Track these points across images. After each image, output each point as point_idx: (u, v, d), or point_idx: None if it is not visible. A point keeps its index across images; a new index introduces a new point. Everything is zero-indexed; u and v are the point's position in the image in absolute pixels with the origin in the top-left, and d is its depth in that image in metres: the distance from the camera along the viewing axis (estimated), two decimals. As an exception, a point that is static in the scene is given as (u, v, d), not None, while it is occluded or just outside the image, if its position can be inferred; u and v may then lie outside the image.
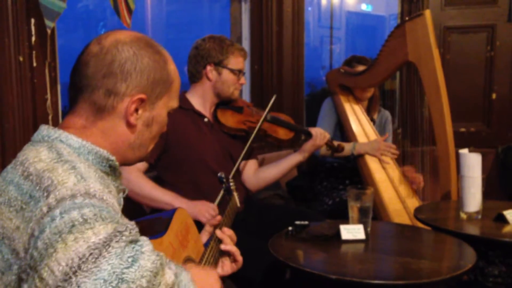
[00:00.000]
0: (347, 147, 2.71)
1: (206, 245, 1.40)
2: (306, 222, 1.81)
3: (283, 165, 2.41)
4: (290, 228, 1.80)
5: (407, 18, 2.58)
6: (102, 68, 0.99)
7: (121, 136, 1.03)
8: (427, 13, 2.47)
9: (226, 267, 1.43)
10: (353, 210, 1.81)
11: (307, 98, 4.39)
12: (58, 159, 0.90)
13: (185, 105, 2.21)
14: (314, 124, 2.90)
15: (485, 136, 3.58)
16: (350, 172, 2.89)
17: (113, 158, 1.01)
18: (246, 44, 3.46)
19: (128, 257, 0.77)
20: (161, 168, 2.16)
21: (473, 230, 1.96)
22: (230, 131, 2.29)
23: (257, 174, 2.40)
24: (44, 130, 0.99)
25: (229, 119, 2.29)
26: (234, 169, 2.14)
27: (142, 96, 1.01)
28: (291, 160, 2.42)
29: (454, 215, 2.14)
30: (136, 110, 1.02)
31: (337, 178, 2.93)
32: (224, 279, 1.37)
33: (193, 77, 2.27)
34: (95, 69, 0.99)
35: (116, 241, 0.78)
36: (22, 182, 0.88)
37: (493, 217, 2.01)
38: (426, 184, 2.76)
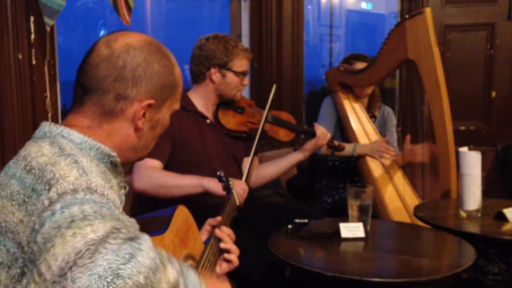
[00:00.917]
0: (348, 148, 2.71)
1: (206, 243, 1.40)
2: (306, 220, 1.80)
3: (283, 163, 2.41)
4: (289, 226, 1.80)
5: (407, 16, 2.57)
6: (113, 72, 1.00)
7: (126, 138, 1.05)
8: (428, 11, 2.47)
9: (224, 265, 1.44)
10: (353, 208, 1.81)
11: (307, 96, 4.38)
12: (61, 153, 0.91)
13: (188, 106, 2.19)
14: (313, 122, 2.90)
15: (485, 134, 3.58)
16: (351, 171, 2.90)
17: (114, 154, 1.02)
18: (245, 42, 3.46)
19: (125, 253, 0.75)
20: (165, 169, 2.15)
21: (473, 228, 1.96)
22: (231, 133, 2.27)
23: (257, 171, 2.39)
24: (46, 126, 1.00)
25: (230, 121, 2.27)
26: (245, 173, 2.12)
27: (151, 101, 1.03)
28: (292, 158, 2.41)
29: (454, 213, 2.14)
30: (144, 114, 1.04)
31: (337, 177, 2.93)
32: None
33: (196, 77, 2.24)
34: (106, 73, 1.00)
35: (113, 238, 0.77)
36: (25, 176, 0.89)
37: (493, 215, 2.01)
38: (425, 183, 2.76)
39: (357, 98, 2.96)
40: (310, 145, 2.39)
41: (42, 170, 0.87)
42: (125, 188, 1.08)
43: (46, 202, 0.82)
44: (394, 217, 2.56)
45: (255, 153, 2.37)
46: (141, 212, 1.33)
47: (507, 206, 2.01)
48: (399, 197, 2.67)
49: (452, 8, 3.55)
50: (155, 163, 2.05)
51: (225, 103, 2.29)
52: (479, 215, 2.03)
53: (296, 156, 2.41)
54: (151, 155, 2.02)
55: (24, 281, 0.81)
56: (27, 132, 2.13)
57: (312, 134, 2.40)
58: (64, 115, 1.06)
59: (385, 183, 2.71)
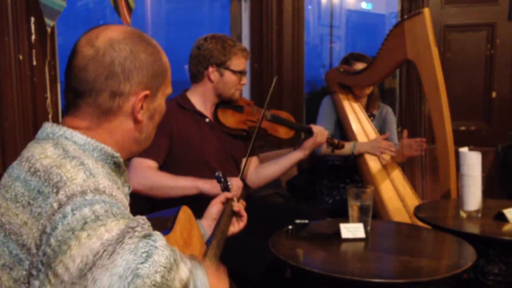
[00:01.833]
0: (347, 146, 2.71)
1: (208, 243, 1.41)
2: (306, 221, 1.80)
3: (284, 162, 2.41)
4: (290, 226, 1.80)
5: (406, 17, 2.57)
6: (103, 71, 0.99)
7: (128, 132, 1.04)
8: (426, 11, 2.47)
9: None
10: (353, 208, 1.81)
11: (307, 97, 4.38)
12: (65, 155, 0.91)
13: (186, 106, 2.20)
14: (313, 123, 2.90)
15: (485, 134, 3.58)
16: (351, 171, 2.90)
17: (117, 155, 1.01)
18: (246, 42, 3.46)
19: (142, 252, 0.78)
20: (163, 168, 2.16)
21: (473, 228, 1.96)
22: (230, 131, 2.28)
23: (257, 171, 2.39)
24: (48, 127, 1.00)
25: (229, 119, 2.28)
26: (241, 171, 2.14)
27: (147, 92, 1.03)
28: (292, 157, 2.42)
29: (454, 213, 2.14)
30: (141, 106, 1.03)
31: (338, 177, 2.93)
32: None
33: (194, 77, 2.25)
34: (95, 73, 0.98)
35: (129, 237, 0.79)
36: (29, 178, 0.89)
37: (493, 216, 2.01)
38: (426, 183, 2.76)
39: (356, 98, 2.96)
40: (309, 143, 2.39)
41: (47, 172, 0.87)
42: (128, 187, 1.08)
43: (55, 205, 0.82)
44: (394, 218, 2.56)
45: (254, 151, 2.37)
46: (139, 213, 1.34)
47: (507, 207, 2.01)
48: (399, 197, 2.67)
49: (452, 8, 3.55)
50: (151, 163, 2.05)
51: (224, 102, 2.29)
52: (479, 215, 2.03)
53: (296, 155, 2.41)
54: (147, 155, 2.04)
55: (36, 283, 0.81)
56: (27, 133, 2.13)
57: (311, 132, 2.41)
58: (65, 116, 1.06)
59: (385, 183, 2.71)
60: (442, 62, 2.50)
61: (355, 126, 2.86)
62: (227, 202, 1.68)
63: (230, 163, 2.27)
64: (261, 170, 2.40)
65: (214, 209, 1.62)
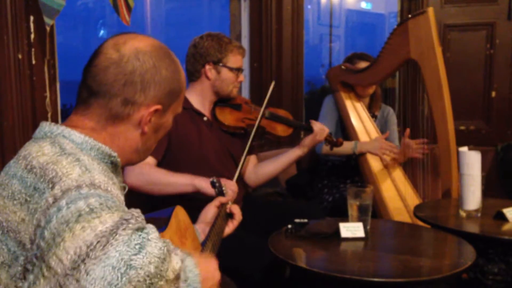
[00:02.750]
0: (349, 145, 2.71)
1: (203, 244, 1.40)
2: (306, 220, 1.80)
3: (282, 160, 2.41)
4: (289, 225, 1.80)
5: (409, 16, 2.57)
6: (123, 77, 1.00)
7: (130, 141, 1.06)
8: (430, 10, 2.46)
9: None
10: (353, 208, 1.81)
11: (307, 96, 4.39)
12: (61, 152, 0.92)
13: (184, 104, 2.19)
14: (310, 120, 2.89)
15: (484, 134, 3.58)
16: (352, 170, 2.89)
17: (115, 154, 1.02)
18: (245, 42, 3.46)
19: (135, 244, 0.78)
20: (162, 166, 2.16)
21: (472, 228, 1.96)
22: (229, 129, 2.29)
23: (256, 169, 2.39)
24: (46, 126, 1.01)
25: (227, 117, 2.28)
26: (238, 171, 2.13)
27: (158, 107, 1.04)
28: (291, 155, 2.41)
29: (454, 213, 2.14)
30: (150, 119, 1.05)
31: (338, 176, 2.93)
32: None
33: (191, 75, 2.26)
34: (115, 77, 1.00)
35: (123, 229, 0.79)
36: (26, 176, 0.89)
37: (492, 215, 2.01)
38: (426, 182, 2.76)
39: (358, 97, 2.96)
40: (308, 140, 2.39)
41: (43, 169, 0.88)
42: (124, 188, 1.08)
43: (50, 200, 0.83)
44: (394, 217, 2.56)
45: (252, 150, 2.37)
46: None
47: (507, 206, 2.01)
48: (399, 197, 2.66)
49: (452, 7, 3.55)
50: (149, 159, 2.05)
51: (221, 101, 2.30)
52: (479, 215, 2.03)
53: (295, 152, 2.41)
54: None
55: (31, 277, 0.81)
56: (26, 132, 2.13)
57: (310, 129, 2.40)
58: (64, 115, 1.07)
59: (385, 183, 2.71)
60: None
61: (356, 125, 2.86)
62: (222, 206, 1.67)
63: (229, 161, 2.27)
64: (260, 168, 2.40)
65: (209, 213, 1.61)
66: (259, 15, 3.42)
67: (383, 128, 3.01)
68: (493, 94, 3.54)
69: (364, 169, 2.78)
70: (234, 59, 2.23)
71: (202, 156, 2.18)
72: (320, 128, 2.40)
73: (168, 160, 2.12)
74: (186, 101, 2.23)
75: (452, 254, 1.81)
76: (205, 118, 2.25)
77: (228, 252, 1.58)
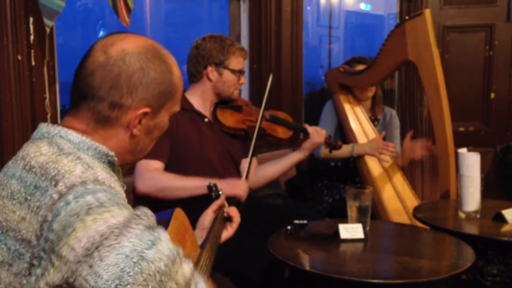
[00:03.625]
0: (346, 148, 2.71)
1: (201, 246, 1.40)
2: (305, 221, 1.80)
3: (283, 163, 2.41)
4: (289, 227, 1.80)
5: (407, 17, 2.57)
6: (109, 80, 0.99)
7: (122, 142, 1.05)
8: (427, 12, 2.46)
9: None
10: (352, 209, 1.81)
11: (306, 97, 4.39)
12: (60, 152, 0.92)
13: (185, 106, 2.20)
14: (313, 124, 2.90)
15: (483, 135, 3.58)
16: (352, 173, 2.89)
17: (112, 153, 1.02)
18: (245, 43, 3.46)
19: (148, 239, 0.79)
20: (165, 168, 2.15)
21: (472, 229, 1.96)
22: (229, 131, 2.29)
23: (257, 171, 2.39)
24: (44, 127, 1.01)
25: (228, 119, 2.28)
26: (246, 171, 2.13)
27: (147, 110, 1.03)
28: (292, 158, 2.42)
29: (453, 214, 2.14)
30: (139, 121, 1.03)
31: (338, 177, 2.93)
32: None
33: (193, 77, 2.26)
34: (101, 81, 0.99)
35: (136, 224, 0.80)
36: (25, 175, 0.90)
37: (492, 216, 2.01)
38: (425, 184, 2.76)
39: (358, 100, 2.96)
40: (307, 144, 2.39)
41: (43, 168, 0.88)
42: (123, 187, 1.09)
43: (55, 196, 0.83)
44: (393, 218, 2.56)
45: (254, 150, 2.37)
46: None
47: (506, 207, 2.01)
48: (398, 198, 2.67)
49: (451, 9, 3.56)
50: (157, 165, 2.05)
51: (222, 102, 2.30)
52: (478, 216, 2.03)
53: (296, 156, 2.41)
54: (152, 156, 2.03)
55: (38, 271, 0.81)
56: (26, 133, 2.13)
57: (307, 133, 2.41)
58: (63, 116, 1.06)
59: (384, 184, 2.71)
60: (441, 63, 2.50)
61: (355, 126, 2.86)
62: (219, 209, 1.67)
63: (229, 162, 2.27)
64: (261, 170, 2.40)
65: (207, 219, 1.60)
66: (259, 16, 3.42)
67: (386, 131, 3.00)
68: (492, 95, 3.55)
69: (363, 171, 2.78)
70: (236, 61, 2.23)
71: (204, 157, 2.18)
72: (315, 130, 2.40)
73: (170, 161, 2.12)
74: (187, 102, 2.23)
75: (451, 255, 1.81)
76: (206, 119, 2.25)
77: (227, 253, 1.58)
